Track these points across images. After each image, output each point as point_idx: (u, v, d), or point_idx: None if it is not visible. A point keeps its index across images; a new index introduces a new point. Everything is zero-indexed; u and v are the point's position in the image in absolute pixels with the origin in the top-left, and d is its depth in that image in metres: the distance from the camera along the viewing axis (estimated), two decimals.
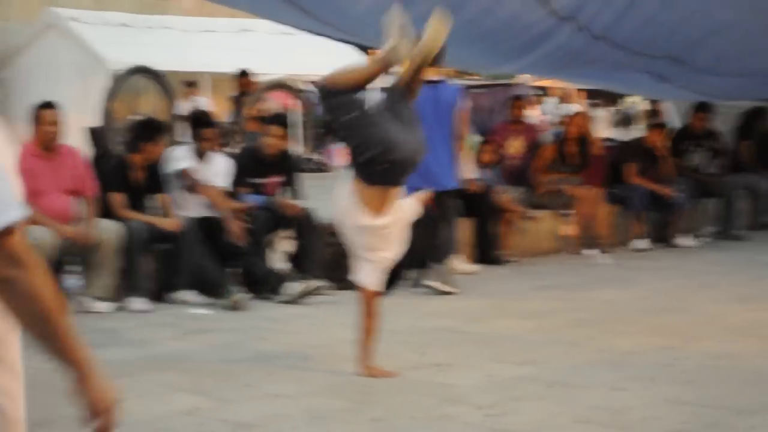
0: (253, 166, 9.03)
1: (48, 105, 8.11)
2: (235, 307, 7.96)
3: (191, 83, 17.34)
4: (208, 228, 8.51)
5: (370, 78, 5.89)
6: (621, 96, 23.79)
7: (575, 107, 22.57)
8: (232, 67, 15.97)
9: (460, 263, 9.52)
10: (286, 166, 9.24)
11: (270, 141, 9.05)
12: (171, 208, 8.52)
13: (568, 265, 10.43)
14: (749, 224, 12.78)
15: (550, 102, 25.15)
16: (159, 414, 5.25)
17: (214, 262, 8.35)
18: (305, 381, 5.84)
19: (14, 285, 2.11)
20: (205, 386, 5.72)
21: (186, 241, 8.29)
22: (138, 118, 11.45)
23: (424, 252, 8.53)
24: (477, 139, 12.16)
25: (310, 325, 7.54)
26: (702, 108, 12.38)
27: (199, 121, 9.05)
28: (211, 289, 8.27)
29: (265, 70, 17.11)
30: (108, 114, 11.41)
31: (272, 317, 7.80)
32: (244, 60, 16.25)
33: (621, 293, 8.71)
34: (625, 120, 25.33)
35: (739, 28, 10.84)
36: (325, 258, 8.80)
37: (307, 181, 9.66)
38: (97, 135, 11.21)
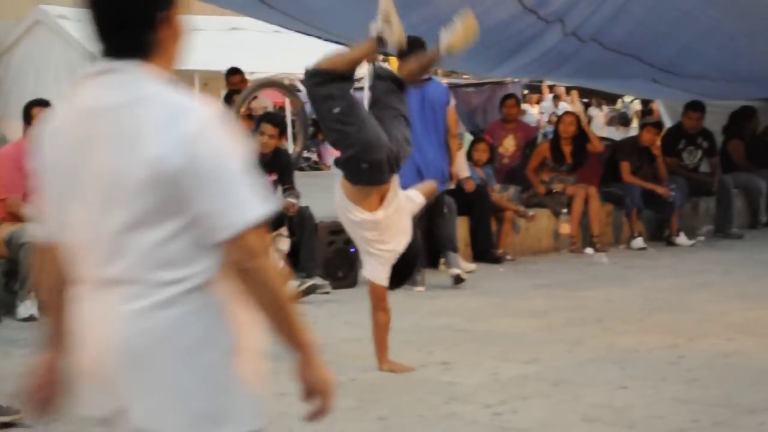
0: None
1: (41, 102, 8.01)
2: None
3: None
4: None
5: (360, 59, 5.88)
6: (619, 95, 23.75)
7: (565, 106, 22.59)
8: (222, 65, 15.88)
9: (458, 261, 9.48)
10: (280, 165, 9.15)
11: (263, 140, 8.97)
12: None
13: (565, 263, 10.40)
14: (744, 223, 12.79)
15: (549, 100, 25.10)
16: None
17: None
18: None
19: (253, 275, 2.36)
20: None
21: None
22: None
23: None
24: (468, 137, 12.14)
25: (311, 323, 7.46)
26: (694, 107, 12.36)
27: None
28: None
29: (255, 68, 17.03)
30: None
31: None
32: (234, 58, 16.16)
33: (621, 292, 8.69)
34: (622, 119, 25.29)
35: (725, 32, 10.90)
36: (323, 256, 8.75)
37: (302, 179, 9.61)
38: None
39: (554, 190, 11.14)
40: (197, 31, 14.36)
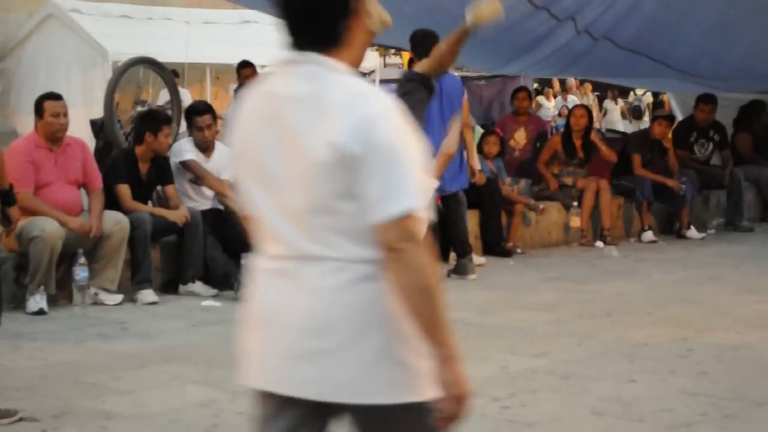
0: None
1: (53, 96, 7.99)
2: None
3: (173, 73, 17.18)
4: (215, 219, 8.47)
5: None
6: (631, 88, 23.64)
7: (574, 99, 22.54)
8: (233, 58, 15.89)
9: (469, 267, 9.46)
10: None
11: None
12: (178, 199, 8.46)
13: (575, 256, 10.39)
14: (755, 216, 12.77)
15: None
16: (175, 406, 5.22)
17: (222, 253, 8.31)
18: None
19: (403, 255, 2.40)
20: (218, 378, 5.68)
21: (193, 232, 8.24)
22: (142, 109, 11.36)
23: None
24: (479, 130, 12.12)
25: None
26: (706, 100, 12.34)
27: (194, 110, 8.90)
28: (220, 280, 8.23)
29: (266, 61, 17.03)
30: (109, 106, 11.35)
31: None
32: (246, 51, 16.17)
33: (631, 285, 8.68)
34: (635, 111, 25.20)
35: (739, 29, 10.86)
36: None
37: None
38: (98, 127, 11.12)
39: (565, 183, 11.13)
40: (209, 24, 14.41)
